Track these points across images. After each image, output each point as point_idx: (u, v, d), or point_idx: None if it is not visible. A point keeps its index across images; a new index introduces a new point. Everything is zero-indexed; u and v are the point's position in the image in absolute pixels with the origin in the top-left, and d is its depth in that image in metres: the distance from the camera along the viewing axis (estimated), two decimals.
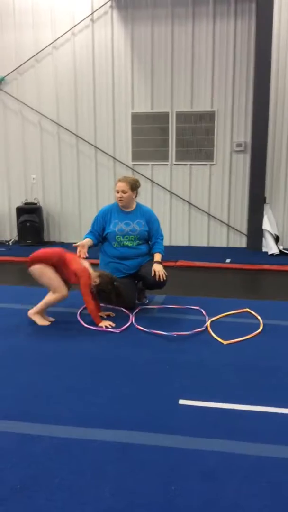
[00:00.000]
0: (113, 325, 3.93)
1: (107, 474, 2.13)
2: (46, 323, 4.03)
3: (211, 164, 7.64)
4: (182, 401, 2.76)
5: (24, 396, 2.81)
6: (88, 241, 4.37)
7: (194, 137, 7.59)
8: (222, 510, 1.93)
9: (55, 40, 7.65)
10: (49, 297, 4.01)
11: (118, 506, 1.94)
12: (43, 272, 3.94)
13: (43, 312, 4.07)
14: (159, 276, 4.30)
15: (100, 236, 4.51)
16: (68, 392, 2.87)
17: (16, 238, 8.02)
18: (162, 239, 4.60)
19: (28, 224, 7.75)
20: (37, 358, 3.36)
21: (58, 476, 2.11)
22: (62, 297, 3.98)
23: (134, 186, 4.45)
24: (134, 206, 4.55)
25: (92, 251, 4.35)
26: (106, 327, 3.88)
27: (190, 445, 2.35)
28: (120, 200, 4.44)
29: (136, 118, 7.71)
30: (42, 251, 4.08)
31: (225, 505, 1.95)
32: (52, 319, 4.09)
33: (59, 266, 3.97)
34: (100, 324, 3.92)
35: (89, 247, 4.34)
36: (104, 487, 2.04)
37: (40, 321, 4.02)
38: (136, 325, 3.95)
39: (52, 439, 2.38)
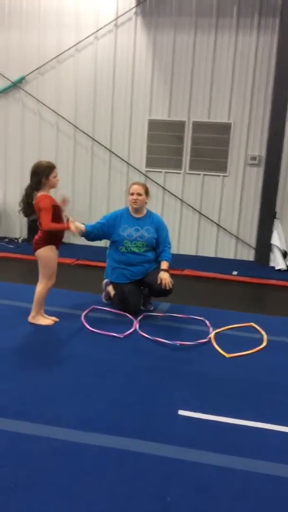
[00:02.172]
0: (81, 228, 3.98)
1: (103, 479, 2.14)
2: (49, 322, 4.04)
3: (224, 176, 7.65)
4: (181, 412, 2.76)
5: (23, 395, 2.82)
6: (80, 226, 4.31)
7: (209, 148, 7.60)
8: None
9: (78, 43, 7.71)
10: (39, 291, 3.97)
11: None
12: (43, 256, 3.91)
13: (42, 312, 4.08)
14: (165, 284, 4.32)
15: (100, 230, 4.48)
16: (69, 395, 2.88)
17: (26, 236, 8.06)
18: (170, 247, 4.62)
19: (38, 222, 7.76)
20: (40, 359, 3.37)
21: (53, 479, 2.12)
22: (51, 285, 3.99)
23: (147, 191, 4.54)
24: (144, 212, 4.58)
25: (101, 255, 4.36)
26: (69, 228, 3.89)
27: (186, 456, 2.35)
28: (135, 202, 4.46)
29: (153, 124, 7.74)
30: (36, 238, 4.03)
31: None
32: (56, 319, 4.11)
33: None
34: (70, 226, 3.92)
35: (81, 232, 4.30)
36: (100, 493, 2.05)
37: (43, 321, 4.04)
38: (140, 332, 3.96)
39: (50, 441, 2.39)
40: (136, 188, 4.47)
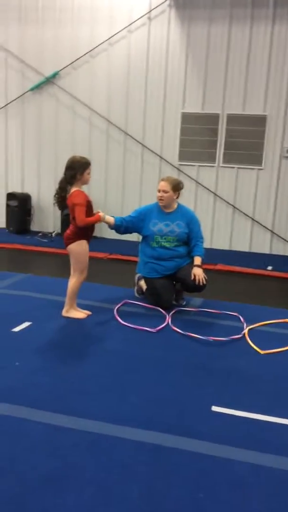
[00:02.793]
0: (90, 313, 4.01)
1: (136, 474, 2.14)
2: (82, 315, 4.07)
3: (259, 169, 7.51)
4: (215, 408, 2.73)
5: (58, 389, 2.85)
6: (110, 218, 4.36)
7: (244, 140, 7.47)
8: None
9: (111, 37, 7.70)
10: (72, 285, 4.00)
11: (145, 508, 1.94)
12: (76, 251, 3.94)
13: (75, 306, 4.11)
14: (199, 280, 4.27)
15: (129, 223, 4.47)
16: (102, 389, 2.89)
17: (59, 230, 8.15)
18: (203, 242, 4.56)
19: (70, 217, 7.83)
20: (73, 352, 3.41)
21: (87, 471, 2.13)
22: (83, 279, 4.02)
23: (176, 187, 4.43)
24: (175, 207, 4.54)
25: (133, 249, 4.36)
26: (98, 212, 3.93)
27: (220, 453, 2.32)
28: (161, 199, 4.43)
29: (186, 118, 7.67)
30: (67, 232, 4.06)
31: None
32: (89, 313, 4.13)
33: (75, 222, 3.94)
34: (100, 214, 3.99)
35: (109, 224, 4.36)
36: (133, 487, 2.05)
37: (77, 314, 4.07)
38: (172, 326, 3.94)
39: (84, 434, 2.41)
40: (162, 185, 4.42)
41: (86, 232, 3.98)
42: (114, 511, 1.90)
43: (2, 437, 2.35)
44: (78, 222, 3.85)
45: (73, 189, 3.91)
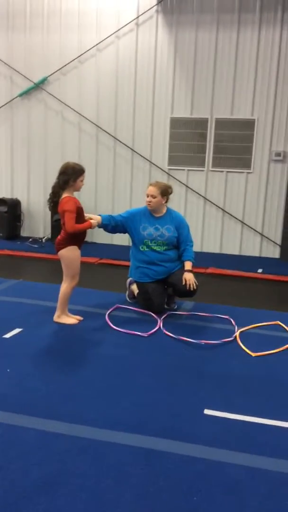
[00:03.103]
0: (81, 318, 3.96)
1: (129, 478, 2.13)
2: (74, 321, 4.06)
3: (248, 172, 7.57)
4: (207, 411, 2.73)
5: (50, 394, 2.84)
6: (97, 217, 4.34)
7: (232, 145, 7.53)
8: None
9: (99, 43, 7.73)
10: (63, 290, 4.00)
11: None
12: (66, 257, 3.94)
13: (67, 311, 4.11)
14: (189, 285, 4.29)
15: (118, 222, 4.47)
16: (94, 394, 2.88)
17: (49, 236, 8.13)
18: (192, 246, 4.57)
19: (61, 223, 7.83)
20: (65, 358, 3.39)
21: (80, 477, 2.12)
22: (74, 284, 4.02)
23: (164, 191, 4.44)
24: (164, 211, 4.55)
25: (124, 254, 4.35)
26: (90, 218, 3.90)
27: (213, 456, 2.32)
28: (149, 204, 4.44)
29: (175, 122, 7.71)
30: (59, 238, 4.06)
31: None
32: (81, 318, 4.13)
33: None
34: (92, 222, 3.94)
35: (98, 222, 4.32)
36: (126, 492, 2.04)
37: (68, 320, 4.06)
38: (164, 330, 3.94)
39: (77, 439, 2.40)
40: (150, 190, 4.43)
41: (77, 238, 3.98)
42: None
43: None
44: (67, 228, 3.84)
45: (64, 194, 3.90)
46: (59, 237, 4.02)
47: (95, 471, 2.16)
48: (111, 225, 4.46)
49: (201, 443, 2.42)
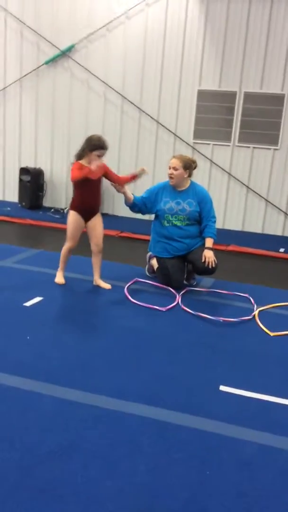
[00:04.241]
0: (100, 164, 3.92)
1: (143, 449, 2.16)
2: (60, 280, 4.25)
3: (274, 149, 7.39)
4: (223, 387, 2.74)
5: (68, 363, 2.88)
6: (130, 195, 4.40)
7: (260, 120, 7.34)
8: (255, 501, 1.91)
9: (128, 10, 7.54)
10: (62, 250, 4.25)
11: (152, 482, 1.96)
12: (67, 219, 4.16)
13: (62, 270, 4.30)
14: (208, 262, 4.25)
15: (143, 204, 4.48)
16: (111, 365, 2.91)
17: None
18: (215, 222, 4.49)
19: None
20: (84, 328, 3.43)
21: (95, 445, 2.16)
22: (66, 248, 4.21)
23: (187, 165, 4.36)
24: (187, 185, 4.47)
25: (145, 228, 4.33)
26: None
27: (228, 432, 2.33)
28: (171, 177, 4.38)
29: (202, 95, 7.54)
30: None
31: (259, 496, 1.94)
32: (109, 286, 4.22)
33: (77, 188, 4.09)
34: (92, 166, 3.82)
35: (127, 200, 4.41)
36: (140, 462, 2.07)
37: (57, 278, 4.28)
38: (182, 306, 3.94)
39: (92, 408, 2.43)
40: (172, 162, 4.36)
41: (80, 204, 4.08)
42: (120, 485, 1.93)
43: (12, 409, 2.38)
44: (71, 178, 3.93)
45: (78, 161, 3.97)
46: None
47: (109, 440, 2.20)
48: (138, 206, 4.47)
49: (215, 419, 2.43)
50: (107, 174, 4.13)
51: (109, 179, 4.21)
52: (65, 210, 8.16)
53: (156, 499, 1.88)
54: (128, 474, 2.00)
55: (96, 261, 4.25)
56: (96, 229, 4.16)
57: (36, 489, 1.87)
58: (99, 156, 3.93)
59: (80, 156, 3.96)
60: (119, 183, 4.22)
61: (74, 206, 4.11)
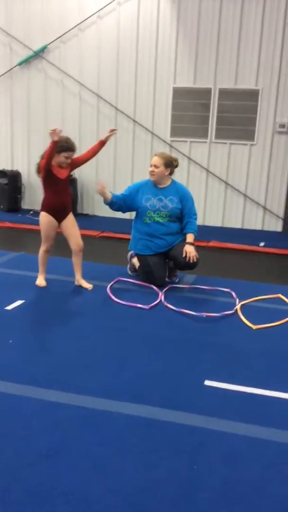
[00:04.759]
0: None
1: (131, 447, 2.16)
2: (41, 282, 4.23)
3: (251, 144, 7.46)
4: (208, 382, 2.76)
5: (52, 365, 2.86)
6: (108, 194, 4.38)
7: (236, 115, 7.40)
8: (243, 494, 1.93)
9: (100, 9, 7.52)
10: (45, 259, 4.28)
11: (140, 480, 1.96)
12: (40, 221, 4.18)
13: (41, 273, 4.28)
14: (189, 257, 4.27)
15: (123, 201, 4.47)
16: (95, 365, 2.90)
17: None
18: (196, 219, 4.54)
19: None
20: (67, 329, 3.41)
21: (82, 446, 2.15)
22: (42, 251, 4.23)
23: (168, 163, 4.40)
24: (168, 183, 4.50)
25: (125, 227, 4.34)
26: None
27: (214, 426, 2.35)
28: (152, 174, 4.40)
29: (178, 92, 7.57)
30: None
31: (246, 489, 1.96)
32: (91, 286, 4.21)
33: (45, 185, 4.10)
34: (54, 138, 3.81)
35: (106, 199, 4.39)
36: (128, 460, 2.08)
37: (38, 280, 4.27)
38: (165, 303, 3.95)
39: (78, 409, 2.43)
40: (154, 160, 4.40)
41: (47, 205, 4.10)
42: (110, 484, 1.93)
43: None
44: (40, 167, 3.99)
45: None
46: None
47: (97, 440, 2.19)
48: (118, 203, 4.45)
49: (201, 413, 2.45)
50: (75, 163, 4.13)
51: (80, 164, 4.20)
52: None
53: (145, 496, 1.88)
54: (116, 472, 2.00)
55: (76, 261, 4.24)
56: (70, 228, 4.18)
57: (25, 492, 1.86)
58: (66, 158, 3.98)
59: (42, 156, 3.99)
60: (90, 156, 4.21)
61: (44, 206, 4.13)
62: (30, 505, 1.80)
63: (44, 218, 4.12)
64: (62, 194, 4.12)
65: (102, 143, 4.25)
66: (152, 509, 1.82)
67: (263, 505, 1.88)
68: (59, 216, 4.13)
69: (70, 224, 4.17)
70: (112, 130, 4.34)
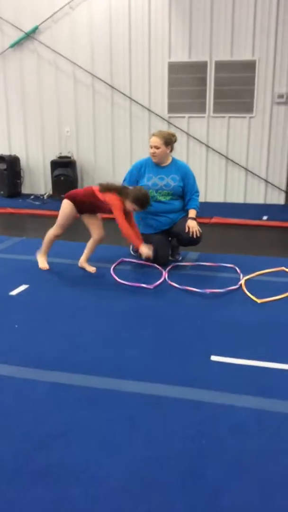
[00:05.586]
0: (150, 255, 3.99)
1: (139, 424, 2.18)
2: (43, 265, 4.22)
3: (250, 117, 7.35)
4: (214, 357, 2.77)
5: (58, 348, 2.88)
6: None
7: (233, 88, 7.27)
8: (252, 464, 1.95)
9: None
10: (48, 233, 4.21)
11: (149, 456, 1.99)
12: (62, 207, 4.09)
13: (44, 254, 4.27)
14: (193, 232, 4.25)
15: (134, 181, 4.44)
16: (102, 344, 2.92)
17: (51, 192, 8.04)
18: (198, 196, 4.51)
19: (62, 178, 7.75)
20: (72, 311, 3.42)
21: (91, 425, 2.17)
22: (53, 235, 4.17)
23: (168, 141, 4.34)
24: (169, 161, 4.46)
25: None
26: (147, 259, 3.93)
27: (221, 400, 2.37)
28: (153, 156, 4.35)
29: (173, 67, 7.43)
30: (75, 190, 4.28)
31: (255, 461, 1.98)
32: (94, 269, 4.19)
33: (90, 201, 4.01)
34: (141, 249, 3.93)
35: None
36: (136, 438, 2.10)
37: (41, 263, 4.24)
38: (169, 282, 3.94)
39: (86, 389, 2.44)
40: (153, 141, 4.32)
41: (79, 203, 4.04)
42: (120, 461, 1.95)
43: (7, 397, 2.38)
44: (119, 222, 3.99)
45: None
46: (72, 190, 4.27)
47: (105, 419, 2.21)
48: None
49: (208, 388, 2.46)
50: (126, 213, 4.06)
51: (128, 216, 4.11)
52: (45, 196, 8.08)
53: (154, 472, 1.91)
54: (126, 450, 2.02)
55: (91, 246, 4.22)
56: (93, 218, 4.14)
57: (36, 473, 1.88)
58: (134, 210, 4.00)
59: (118, 191, 3.95)
60: (132, 226, 4.13)
61: (74, 199, 4.04)
62: (42, 485, 1.82)
63: (68, 208, 4.04)
64: (96, 210, 4.09)
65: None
66: (162, 484, 1.84)
67: (272, 476, 1.89)
68: (82, 212, 4.11)
69: (94, 217, 4.16)
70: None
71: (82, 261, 4.26)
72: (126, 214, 4.02)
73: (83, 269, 4.24)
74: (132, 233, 4.00)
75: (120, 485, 1.83)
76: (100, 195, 3.97)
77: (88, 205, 4.03)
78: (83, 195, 4.05)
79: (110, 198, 3.94)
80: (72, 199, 4.06)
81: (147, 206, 4.03)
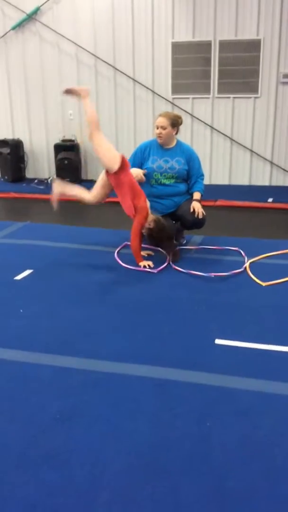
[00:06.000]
0: (152, 265, 3.91)
1: (144, 408, 2.19)
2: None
3: (255, 97, 7.24)
4: (218, 341, 2.76)
5: (63, 332, 2.88)
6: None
7: (238, 68, 7.15)
8: (257, 447, 1.96)
9: None
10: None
11: (154, 440, 2.00)
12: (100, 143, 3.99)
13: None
14: (197, 212, 4.21)
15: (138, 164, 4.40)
16: (106, 329, 2.92)
17: (55, 176, 8.00)
18: (203, 179, 4.46)
19: (66, 161, 7.70)
20: (76, 296, 3.42)
21: (96, 409, 2.18)
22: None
23: (175, 122, 4.28)
24: (174, 143, 4.41)
25: None
26: (145, 266, 3.88)
27: (225, 383, 2.37)
28: (159, 136, 4.30)
29: (177, 47, 7.30)
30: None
31: (260, 443, 1.98)
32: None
33: (130, 186, 3.92)
34: (140, 264, 3.91)
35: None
36: (141, 421, 2.11)
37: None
38: (174, 266, 3.93)
39: (91, 373, 2.45)
40: (159, 121, 4.26)
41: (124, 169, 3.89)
42: (125, 445, 1.97)
43: (12, 382, 2.40)
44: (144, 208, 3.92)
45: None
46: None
47: (110, 403, 2.23)
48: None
49: (212, 372, 2.46)
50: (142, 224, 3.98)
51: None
52: (49, 180, 8.04)
53: (159, 455, 1.92)
54: (130, 434, 2.03)
55: (79, 197, 4.14)
56: (108, 190, 4.12)
57: (41, 456, 1.90)
58: (149, 225, 3.94)
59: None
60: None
61: (123, 164, 3.84)
62: (47, 469, 1.84)
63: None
64: (121, 187, 3.99)
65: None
66: (167, 468, 1.86)
67: (278, 459, 1.90)
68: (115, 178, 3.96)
69: (110, 187, 4.11)
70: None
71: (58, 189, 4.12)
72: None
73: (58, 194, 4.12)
74: (139, 251, 3.94)
75: (125, 468, 1.85)
76: (138, 197, 3.90)
77: (125, 181, 3.89)
78: (133, 180, 3.96)
79: (142, 207, 3.90)
80: (123, 163, 3.83)
81: (167, 237, 4.01)
